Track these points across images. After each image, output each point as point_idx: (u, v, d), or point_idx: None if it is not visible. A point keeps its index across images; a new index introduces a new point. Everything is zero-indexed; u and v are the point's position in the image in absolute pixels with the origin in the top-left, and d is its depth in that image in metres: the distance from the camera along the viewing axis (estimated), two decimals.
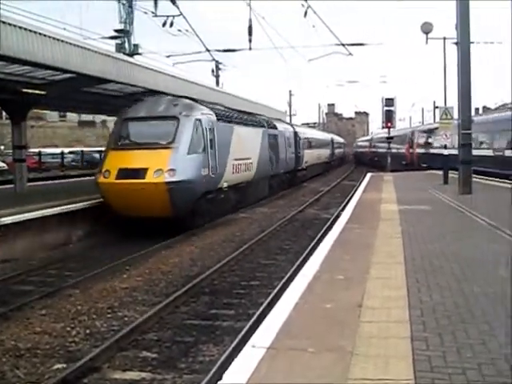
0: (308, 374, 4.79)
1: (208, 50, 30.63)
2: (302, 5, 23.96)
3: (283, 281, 11.95)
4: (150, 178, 18.09)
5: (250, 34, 28.88)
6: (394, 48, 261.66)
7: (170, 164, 18.42)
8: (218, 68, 48.40)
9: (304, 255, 14.19)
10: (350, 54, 28.35)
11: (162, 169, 18.22)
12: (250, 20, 28.36)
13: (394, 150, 48.87)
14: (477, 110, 76.98)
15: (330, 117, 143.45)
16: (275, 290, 11.29)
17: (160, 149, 18.83)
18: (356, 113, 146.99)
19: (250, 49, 29.34)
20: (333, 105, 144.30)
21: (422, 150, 47.74)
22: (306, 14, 24.47)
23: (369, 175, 37.60)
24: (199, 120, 20.23)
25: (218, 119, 22.50)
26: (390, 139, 45.38)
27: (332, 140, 73.61)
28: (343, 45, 27.83)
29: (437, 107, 46.53)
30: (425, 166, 43.58)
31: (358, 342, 5.51)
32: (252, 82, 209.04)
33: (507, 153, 28.28)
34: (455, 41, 22.43)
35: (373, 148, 77.14)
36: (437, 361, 4.99)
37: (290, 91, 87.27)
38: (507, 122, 28.81)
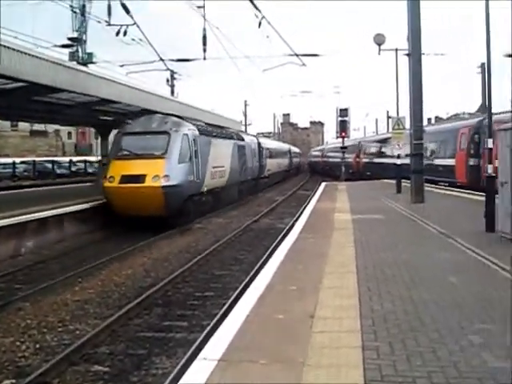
0: None
1: (162, 60, 30.52)
2: (256, 15, 24.02)
3: (237, 291, 11.92)
4: (149, 182, 21.75)
5: (204, 43, 28.95)
6: (348, 59, 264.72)
7: (165, 171, 22.10)
8: (172, 77, 48.25)
9: (258, 265, 14.19)
10: (304, 64, 28.58)
11: (159, 175, 21.86)
12: (205, 30, 28.42)
13: (336, 160, 52.16)
14: (429, 120, 78.20)
15: (285, 126, 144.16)
16: (229, 301, 11.26)
17: (155, 158, 22.43)
18: (311, 123, 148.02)
19: (205, 58, 29.38)
20: (288, 115, 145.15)
21: (366, 160, 49.44)
22: (261, 25, 24.54)
23: (323, 184, 37.89)
24: (186, 134, 24.01)
25: (200, 134, 26.12)
26: (343, 149, 45.90)
27: (290, 150, 77.53)
28: (297, 55, 28.05)
29: (390, 117, 47.05)
30: (369, 174, 44.59)
31: (309, 352, 5.51)
32: (207, 91, 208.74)
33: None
34: (407, 52, 22.81)
35: (326, 158, 78.50)
36: (387, 369, 5.03)
37: (246, 101, 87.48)
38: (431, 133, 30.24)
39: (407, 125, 25.46)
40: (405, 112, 24.00)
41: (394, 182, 28.90)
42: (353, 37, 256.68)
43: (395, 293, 7.72)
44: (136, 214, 21.63)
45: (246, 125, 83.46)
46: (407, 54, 22.75)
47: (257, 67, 42.59)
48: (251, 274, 13.43)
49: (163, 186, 21.69)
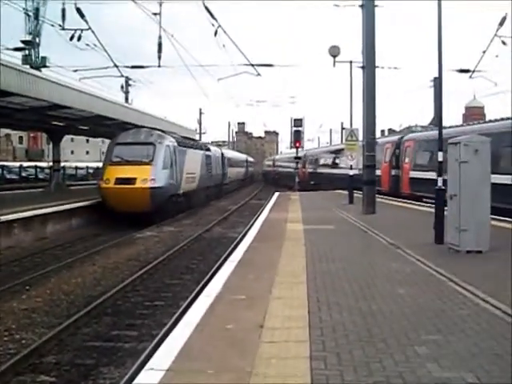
0: None
1: (116, 66, 30.17)
2: (213, 24, 24.00)
3: (187, 301, 11.85)
4: (139, 184, 26.83)
5: (159, 51, 28.76)
6: (304, 70, 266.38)
7: (151, 175, 27.24)
8: (127, 84, 47.91)
9: (210, 274, 14.13)
10: (259, 74, 28.57)
11: (147, 178, 26.98)
12: (160, 37, 28.25)
13: (292, 170, 54.90)
14: (382, 132, 79.24)
15: (240, 135, 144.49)
16: (179, 310, 11.18)
17: (143, 165, 27.60)
18: (266, 132, 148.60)
19: (159, 66, 29.16)
20: (243, 123, 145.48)
21: (310, 170, 53.84)
22: (217, 34, 24.53)
23: (276, 194, 38.03)
24: (168, 145, 29.53)
25: (178, 145, 31.66)
26: (297, 159, 46.16)
27: (247, 159, 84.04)
28: (252, 65, 28.04)
29: (344, 128, 47.67)
30: (313, 183, 45.97)
31: (257, 362, 5.50)
32: (163, 99, 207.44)
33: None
34: (361, 65, 23.07)
35: (280, 167, 79.71)
36: (334, 379, 5.05)
37: (200, 109, 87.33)
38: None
39: (361, 137, 25.76)
40: (359, 124, 24.26)
41: (346, 192, 29.22)
42: (309, 48, 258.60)
43: (344, 303, 7.77)
44: (126, 211, 26.21)
45: (200, 133, 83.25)
46: (361, 67, 23.01)
47: (211, 76, 42.26)
48: (202, 283, 13.37)
49: (150, 187, 26.86)
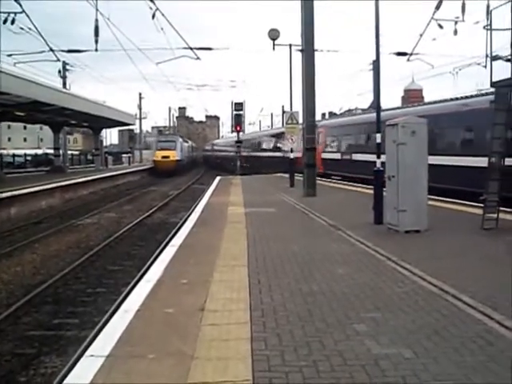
0: (147, 380, 4.73)
1: (52, 50, 29.39)
2: (150, 7, 23.65)
3: (129, 287, 11.73)
4: (172, 158, 63.99)
5: (96, 34, 28.09)
6: (244, 53, 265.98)
7: (176, 155, 65.31)
8: (65, 69, 46.94)
9: (151, 260, 14.03)
10: (198, 58, 28.32)
11: (174, 155, 64.72)
12: (97, 20, 27.62)
13: (233, 154, 57.90)
14: (323, 115, 79.91)
15: (181, 120, 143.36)
16: (121, 297, 11.06)
17: (171, 150, 64.96)
18: (207, 116, 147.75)
19: (97, 50, 28.53)
20: (184, 108, 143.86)
21: (245, 154, 56.22)
22: (154, 17, 24.17)
23: (218, 178, 37.99)
24: (180, 141, 70.46)
25: (183, 141, 75.72)
26: (239, 143, 46.10)
27: (192, 145, 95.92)
28: (191, 48, 27.75)
29: (284, 112, 47.77)
30: (247, 166, 47.12)
31: (198, 345, 5.51)
32: (102, 84, 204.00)
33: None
34: (300, 48, 23.14)
35: (222, 152, 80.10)
36: (275, 360, 5.10)
37: (140, 94, 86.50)
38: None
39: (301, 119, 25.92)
40: (300, 107, 24.34)
41: (288, 175, 29.41)
42: (249, 31, 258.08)
43: (285, 285, 7.84)
44: (165, 171, 60.36)
45: (140, 118, 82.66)
46: (300, 50, 23.08)
47: (150, 60, 41.65)
48: (144, 268, 13.26)
49: (176, 160, 64.53)
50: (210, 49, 30.03)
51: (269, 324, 6.10)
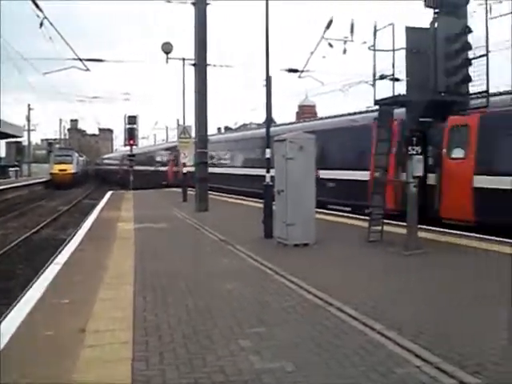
0: None
1: None
2: (38, 15, 22.87)
3: (10, 308, 11.21)
4: (68, 171, 64.36)
5: None
6: (138, 65, 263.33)
7: (73, 168, 66.30)
8: None
9: (35, 279, 13.50)
10: (88, 69, 27.70)
11: (71, 168, 66.49)
12: None
13: (124, 168, 60.89)
14: (219, 129, 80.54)
15: (73, 133, 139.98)
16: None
17: (68, 164, 66.24)
18: (100, 129, 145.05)
19: None
20: (76, 120, 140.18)
21: (125, 168, 57.35)
22: (42, 25, 23.40)
23: (110, 193, 37.29)
24: (76, 155, 73.24)
25: (78, 155, 77.24)
26: (132, 157, 45.44)
27: (86, 159, 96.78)
28: (80, 60, 27.10)
29: (179, 125, 47.68)
30: (139, 180, 47.31)
31: (78, 367, 5.30)
32: None
33: None
34: (193, 62, 23.13)
35: (112, 166, 79.58)
36: (156, 380, 5.01)
37: (29, 105, 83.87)
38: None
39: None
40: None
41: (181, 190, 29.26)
42: (143, 44, 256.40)
43: (171, 302, 7.74)
44: (62, 184, 59.08)
45: (29, 130, 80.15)
46: (193, 64, 23.08)
47: (36, 70, 40.09)
48: (27, 288, 12.73)
49: (72, 173, 64.51)
50: (101, 60, 29.52)
51: (152, 343, 5.98)
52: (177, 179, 46.69)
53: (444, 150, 15.92)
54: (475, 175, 14.83)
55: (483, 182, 14.58)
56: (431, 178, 15.94)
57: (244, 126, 64.93)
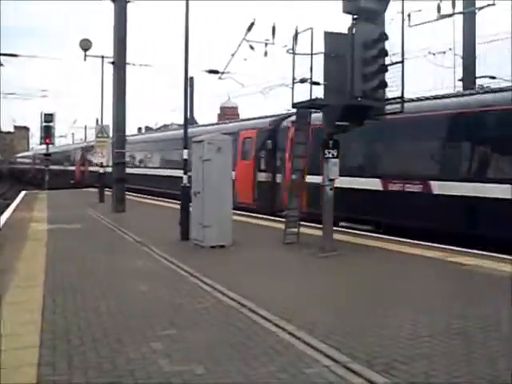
0: None
1: None
2: None
3: None
4: None
5: None
6: (56, 63, 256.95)
7: None
8: None
9: None
10: (1, 64, 26.90)
11: None
12: None
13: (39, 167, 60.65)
14: (139, 129, 79.57)
15: None
16: None
17: None
18: (15, 127, 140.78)
19: None
20: None
21: (37, 167, 60.05)
22: None
23: (23, 193, 36.29)
24: None
25: None
26: (48, 156, 44.34)
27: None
28: None
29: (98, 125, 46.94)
30: (56, 180, 46.86)
31: None
32: None
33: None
34: (112, 60, 22.79)
35: (28, 165, 77.88)
36: None
37: None
38: None
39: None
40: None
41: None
42: (61, 39, 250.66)
43: (81, 304, 7.59)
44: None
45: None
46: (112, 62, 22.74)
47: None
48: None
49: None
50: (15, 55, 28.71)
51: (60, 347, 5.82)
52: (84, 178, 46.53)
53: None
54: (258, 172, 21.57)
55: (259, 177, 21.47)
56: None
57: (165, 127, 64.42)
